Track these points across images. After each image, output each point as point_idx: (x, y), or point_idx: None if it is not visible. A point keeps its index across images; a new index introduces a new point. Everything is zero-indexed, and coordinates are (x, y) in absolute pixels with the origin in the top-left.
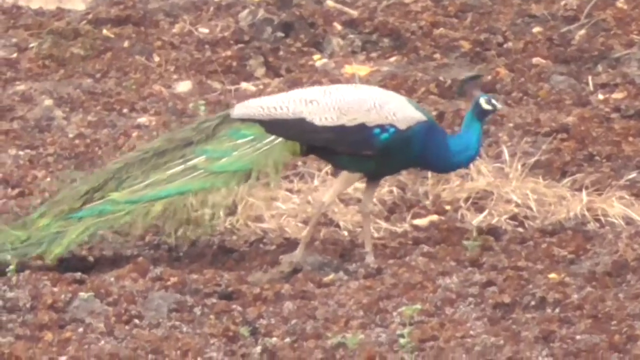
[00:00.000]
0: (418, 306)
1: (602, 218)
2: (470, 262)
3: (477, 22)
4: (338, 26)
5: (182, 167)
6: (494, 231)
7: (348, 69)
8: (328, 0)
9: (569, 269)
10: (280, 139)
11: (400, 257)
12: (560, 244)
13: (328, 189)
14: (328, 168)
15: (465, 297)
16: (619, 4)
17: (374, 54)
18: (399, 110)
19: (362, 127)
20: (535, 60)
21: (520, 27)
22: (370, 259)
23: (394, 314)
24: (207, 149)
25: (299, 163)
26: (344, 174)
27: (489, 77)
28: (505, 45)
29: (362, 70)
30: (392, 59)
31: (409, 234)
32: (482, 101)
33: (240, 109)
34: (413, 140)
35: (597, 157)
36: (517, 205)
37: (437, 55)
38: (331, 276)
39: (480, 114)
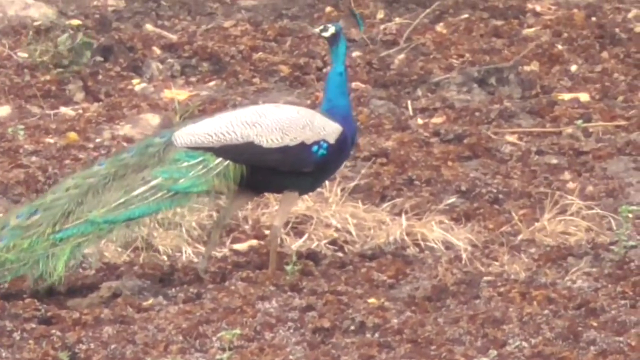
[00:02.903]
0: (237, 331)
1: (421, 242)
2: (289, 286)
3: (296, 46)
4: (157, 50)
5: (145, 187)
6: (313, 256)
7: (167, 93)
8: (147, 25)
9: (388, 294)
10: (228, 162)
11: (220, 282)
12: (380, 268)
13: (275, 214)
14: None
15: (285, 321)
16: (438, 28)
17: (193, 78)
18: (325, 125)
19: (302, 146)
20: (354, 84)
21: None
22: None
23: (214, 338)
24: (163, 170)
25: None
26: (286, 195)
27: (308, 102)
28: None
29: (182, 94)
30: (212, 83)
31: (228, 258)
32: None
33: (184, 138)
34: (342, 149)
35: (416, 182)
36: (337, 229)
37: (257, 80)
38: (150, 301)
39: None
